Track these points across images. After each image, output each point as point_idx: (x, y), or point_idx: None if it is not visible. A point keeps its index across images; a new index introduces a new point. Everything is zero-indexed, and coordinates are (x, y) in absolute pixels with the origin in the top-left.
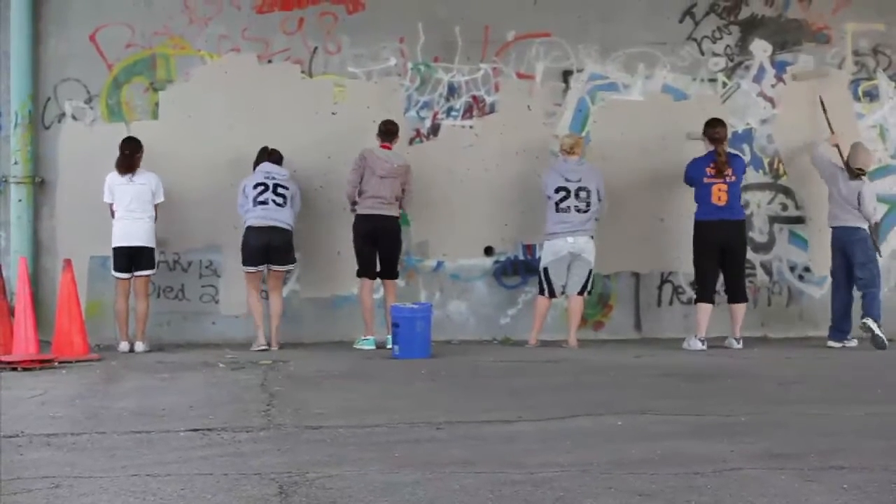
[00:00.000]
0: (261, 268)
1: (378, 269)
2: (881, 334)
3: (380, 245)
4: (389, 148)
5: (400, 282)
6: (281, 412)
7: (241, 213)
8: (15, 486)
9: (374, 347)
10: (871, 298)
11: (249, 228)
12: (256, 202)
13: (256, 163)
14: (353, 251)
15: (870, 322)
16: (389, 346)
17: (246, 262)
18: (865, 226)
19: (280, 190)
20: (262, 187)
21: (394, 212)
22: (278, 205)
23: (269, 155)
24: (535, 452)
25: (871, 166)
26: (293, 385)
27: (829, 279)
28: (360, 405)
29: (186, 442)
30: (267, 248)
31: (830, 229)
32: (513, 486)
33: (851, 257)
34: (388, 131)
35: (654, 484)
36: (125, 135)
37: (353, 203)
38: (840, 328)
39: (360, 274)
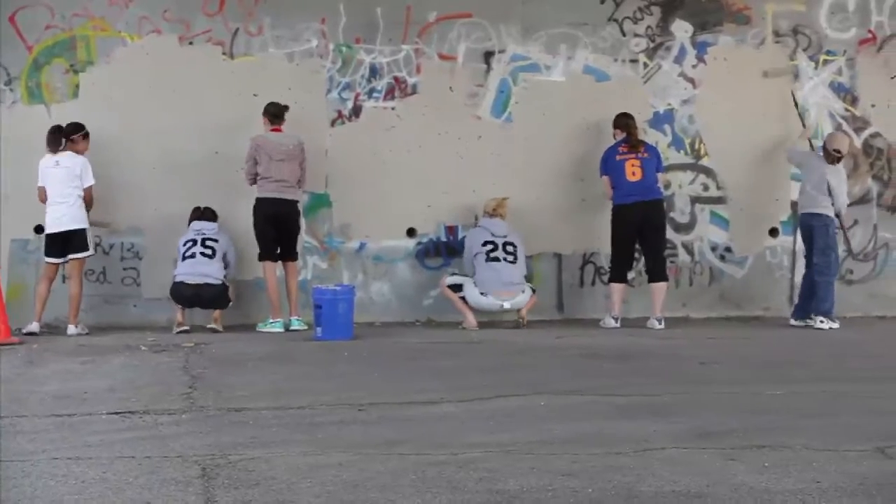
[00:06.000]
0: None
1: (278, 251)
2: (834, 326)
3: (283, 228)
4: (280, 130)
5: (322, 263)
6: (203, 395)
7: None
8: None
9: (282, 330)
10: (826, 288)
11: (179, 283)
12: (185, 257)
13: (190, 221)
14: (254, 234)
15: (818, 323)
16: (294, 327)
17: (175, 303)
18: (831, 213)
19: (209, 243)
20: (191, 242)
21: (295, 196)
22: (206, 256)
23: (202, 213)
24: (459, 433)
25: (847, 149)
26: (215, 367)
27: (751, 259)
28: (282, 387)
29: (108, 425)
30: (199, 299)
31: (799, 216)
32: (437, 466)
33: (812, 242)
34: (277, 114)
35: (576, 464)
36: (45, 117)
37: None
38: (803, 307)
39: (263, 257)
